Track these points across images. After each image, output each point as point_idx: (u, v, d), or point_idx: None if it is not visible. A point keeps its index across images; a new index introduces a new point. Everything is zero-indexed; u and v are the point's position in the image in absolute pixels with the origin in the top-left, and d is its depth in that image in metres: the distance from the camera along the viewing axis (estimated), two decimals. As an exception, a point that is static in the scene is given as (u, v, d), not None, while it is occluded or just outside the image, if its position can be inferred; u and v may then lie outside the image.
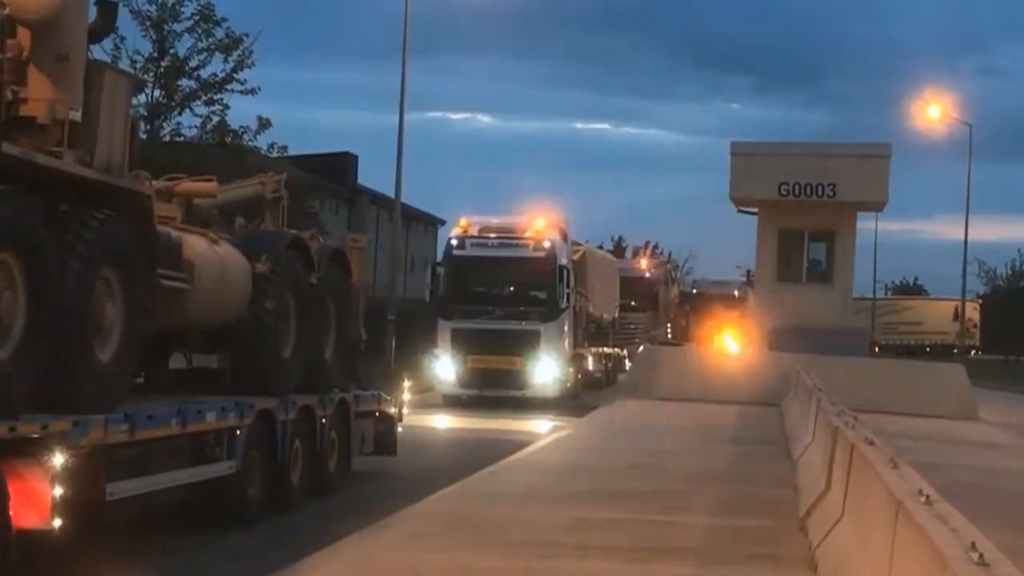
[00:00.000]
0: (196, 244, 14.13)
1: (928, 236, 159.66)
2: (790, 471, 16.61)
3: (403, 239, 57.06)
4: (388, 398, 19.32)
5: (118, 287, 11.76)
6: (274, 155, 39.54)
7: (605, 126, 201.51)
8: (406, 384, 21.56)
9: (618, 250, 78.31)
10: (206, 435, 13.32)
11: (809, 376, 22.62)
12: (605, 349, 43.21)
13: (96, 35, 12.49)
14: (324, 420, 16.48)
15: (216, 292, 14.32)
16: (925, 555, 5.96)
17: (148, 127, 38.21)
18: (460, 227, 35.05)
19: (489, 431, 26.76)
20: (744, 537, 12.66)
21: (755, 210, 39.47)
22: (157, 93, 38.18)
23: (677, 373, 33.54)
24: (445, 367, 33.64)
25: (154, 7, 37.61)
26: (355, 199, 67.10)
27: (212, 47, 38.14)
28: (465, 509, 14.14)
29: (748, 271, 57.78)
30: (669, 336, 54.79)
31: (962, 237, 63.71)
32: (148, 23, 37.59)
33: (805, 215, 38.33)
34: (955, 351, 75.82)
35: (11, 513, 9.87)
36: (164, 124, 38.69)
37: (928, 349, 79.63)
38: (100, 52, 35.30)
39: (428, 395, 33.41)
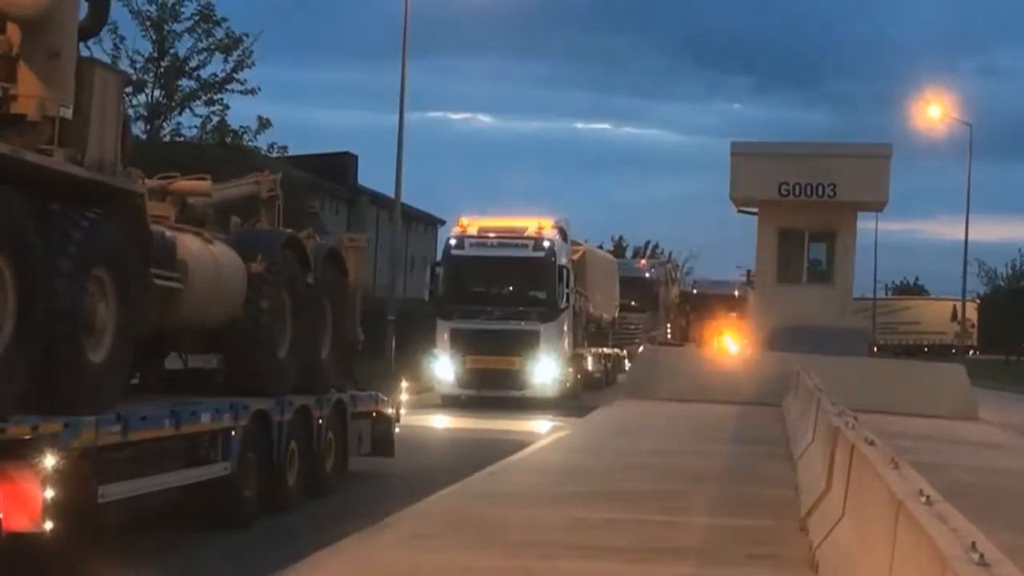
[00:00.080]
0: (190, 243, 14.02)
1: (928, 236, 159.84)
2: (790, 471, 16.59)
3: (403, 239, 57.04)
4: (385, 398, 19.21)
5: (111, 287, 11.63)
6: (274, 155, 39.57)
7: (605, 126, 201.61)
8: (404, 384, 21.52)
9: (618, 250, 78.39)
10: (200, 436, 13.20)
11: (809, 376, 22.61)
12: (605, 349, 43.18)
13: (87, 32, 12.37)
14: (321, 421, 16.37)
15: (211, 292, 14.22)
16: (925, 555, 5.95)
17: (148, 127, 38.28)
18: (459, 227, 34.99)
19: (488, 431, 26.71)
20: (744, 537, 12.64)
21: (755, 210, 39.48)
22: (157, 93, 38.28)
23: (677, 373, 33.53)
24: (444, 367, 33.58)
25: (154, 7, 37.73)
26: (355, 199, 67.12)
27: (212, 47, 38.22)
28: (465, 509, 14.12)
29: (748, 271, 57.75)
30: (669, 336, 54.81)
31: (962, 237, 63.78)
32: (148, 23, 37.66)
33: (805, 215, 38.34)
34: (953, 351, 75.88)
35: (1, 516, 9.79)
36: (164, 124, 38.78)
37: (926, 349, 79.69)
38: (100, 52, 35.59)
39: (427, 395, 33.41)
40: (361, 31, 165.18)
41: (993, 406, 35.09)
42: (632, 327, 48.64)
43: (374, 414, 18.78)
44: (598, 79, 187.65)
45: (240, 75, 38.52)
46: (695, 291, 67.85)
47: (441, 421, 29.72)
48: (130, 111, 37.85)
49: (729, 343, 51.20)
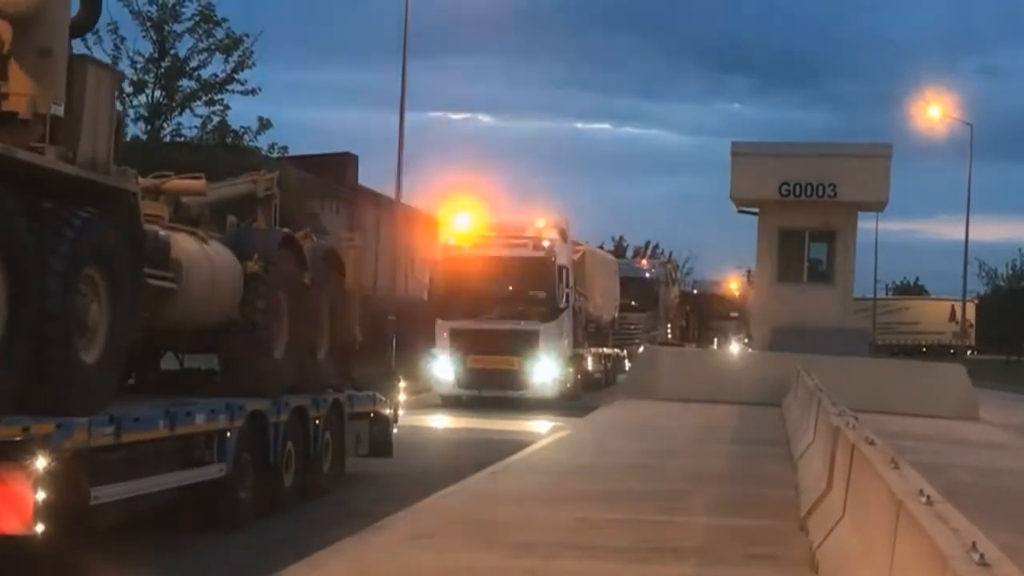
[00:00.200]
0: (185, 243, 13.90)
1: (928, 236, 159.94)
2: (791, 471, 16.59)
3: (403, 239, 56.90)
4: (383, 399, 19.11)
5: (103, 287, 11.51)
6: (274, 155, 39.53)
7: (605, 126, 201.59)
8: (401, 385, 21.44)
9: (618, 250, 78.40)
10: (195, 437, 13.09)
11: (810, 376, 22.62)
12: (605, 349, 43.16)
13: (79, 29, 12.25)
14: (317, 421, 16.28)
15: (206, 292, 14.11)
16: (926, 555, 5.95)
17: (149, 127, 38.27)
18: (459, 226, 34.94)
19: (488, 432, 26.66)
20: (745, 537, 12.64)
21: (755, 210, 39.48)
22: (157, 93, 38.22)
23: (677, 373, 33.52)
24: (443, 367, 33.53)
25: (154, 8, 37.66)
26: (355, 200, 67.04)
27: (212, 47, 38.17)
28: (465, 509, 14.11)
29: (748, 271, 57.75)
30: (669, 336, 54.83)
31: (963, 237, 63.67)
32: (149, 24, 37.61)
33: (805, 215, 38.35)
34: (952, 351, 75.93)
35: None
36: (164, 125, 38.72)
37: (924, 349, 79.75)
38: (101, 52, 35.57)
39: (427, 395, 33.39)
40: (361, 31, 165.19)
41: (993, 406, 35.09)
42: (632, 327, 48.65)
43: (372, 415, 18.70)
44: (598, 79, 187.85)
45: (240, 75, 38.49)
46: (695, 291, 67.94)
47: (440, 421, 29.68)
48: (130, 111, 37.90)
49: (729, 343, 51.22)
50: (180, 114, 38.80)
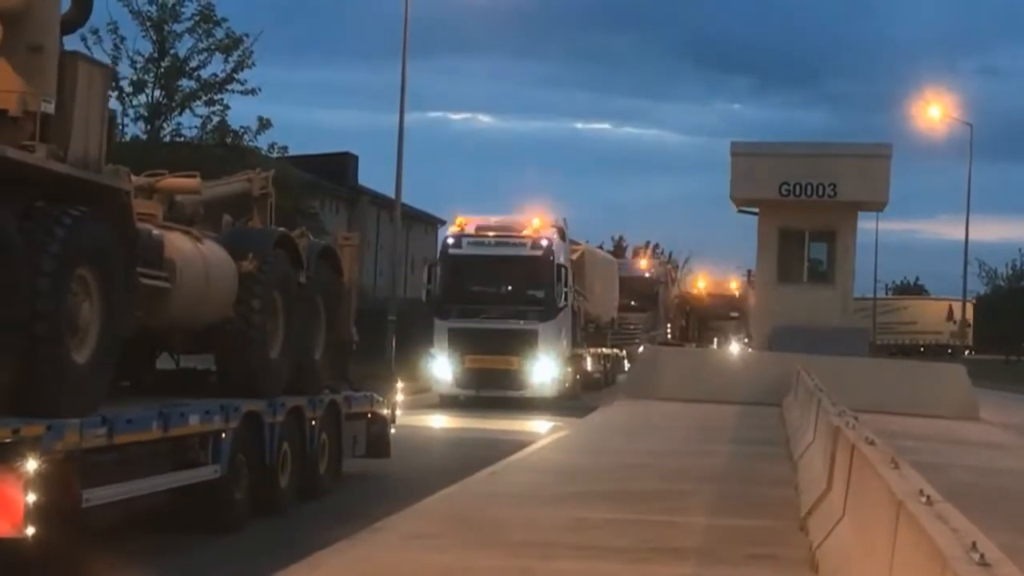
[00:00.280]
0: (178, 242, 13.78)
1: (929, 236, 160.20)
2: (791, 471, 16.58)
3: (403, 239, 57.01)
4: (381, 399, 19.01)
5: (95, 286, 11.38)
6: (274, 155, 39.53)
7: (605, 126, 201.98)
8: (399, 385, 21.37)
9: (618, 250, 78.40)
10: (190, 439, 12.97)
11: (810, 376, 22.61)
12: (604, 349, 43.12)
13: (70, 25, 12.10)
14: (314, 422, 16.18)
15: (200, 291, 13.99)
16: (926, 555, 5.95)
17: (148, 127, 38.29)
18: (456, 226, 34.85)
19: (487, 432, 26.63)
20: (745, 537, 12.63)
21: (755, 210, 39.48)
22: (157, 93, 38.24)
23: (677, 373, 33.49)
24: (442, 367, 33.45)
25: (154, 8, 37.70)
26: (355, 199, 67.12)
27: (212, 47, 38.19)
28: (465, 509, 14.11)
29: (748, 271, 57.76)
30: (669, 336, 54.83)
31: (963, 237, 63.65)
32: (148, 23, 37.65)
33: (805, 215, 38.35)
34: (949, 351, 75.98)
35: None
36: (164, 124, 38.73)
37: (922, 349, 79.80)
38: (101, 53, 35.59)
39: (426, 396, 33.34)
40: (361, 31, 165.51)
41: (993, 406, 35.07)
42: (632, 327, 48.64)
43: (369, 415, 18.59)
44: (598, 79, 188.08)
45: (240, 75, 38.51)
46: (695, 291, 67.90)
47: (439, 421, 29.62)
48: (130, 111, 37.95)
49: (729, 343, 51.25)
50: (180, 114, 38.87)
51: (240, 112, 41.38)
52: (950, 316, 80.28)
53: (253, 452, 14.39)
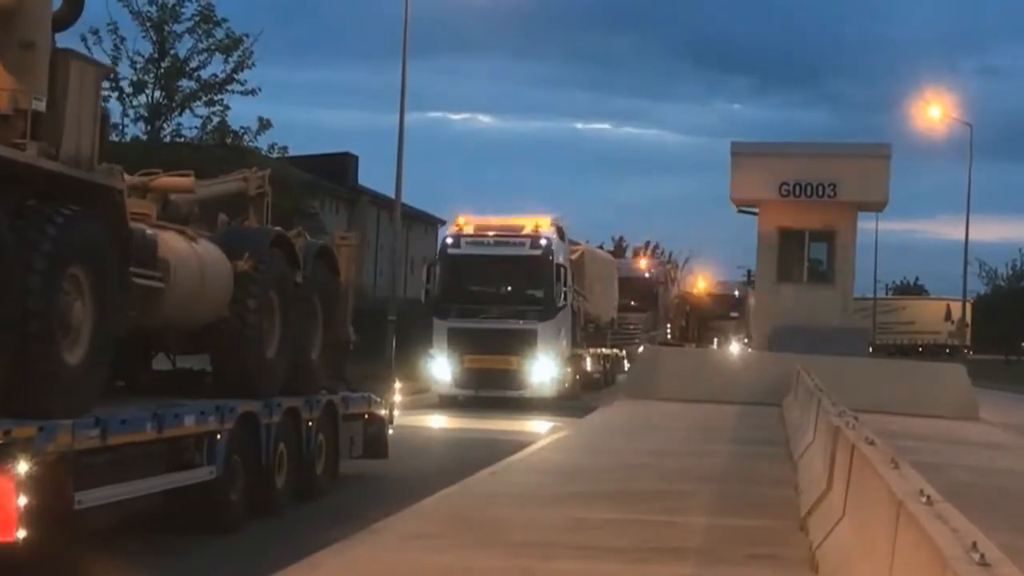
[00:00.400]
0: (173, 241, 13.66)
1: (928, 236, 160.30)
2: (791, 471, 16.58)
3: (403, 239, 57.03)
4: (378, 400, 18.91)
5: (88, 286, 11.26)
6: (274, 156, 39.54)
7: (605, 126, 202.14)
8: (397, 385, 21.30)
9: (618, 250, 78.38)
10: (184, 440, 12.84)
11: (810, 376, 22.61)
12: (603, 350, 43.07)
13: (62, 23, 11.95)
14: (311, 423, 16.08)
15: (194, 291, 13.88)
16: (926, 555, 5.95)
17: (148, 128, 38.29)
18: (455, 225, 34.79)
19: (486, 432, 26.57)
20: (745, 537, 12.64)
21: (755, 210, 39.49)
22: (157, 94, 38.25)
23: (677, 373, 33.48)
24: (441, 367, 33.36)
25: (154, 8, 37.69)
26: (355, 199, 67.13)
27: (212, 48, 38.20)
28: (465, 509, 14.11)
29: (748, 271, 57.81)
30: (668, 336, 54.83)
31: (962, 237, 63.67)
32: (148, 24, 37.66)
33: (805, 215, 38.37)
34: (947, 351, 76.04)
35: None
36: (164, 125, 38.74)
37: (920, 349, 79.86)
38: (100, 53, 35.59)
39: (425, 396, 33.31)
40: (361, 31, 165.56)
41: (993, 406, 35.07)
42: (632, 327, 48.61)
43: (366, 416, 18.50)
44: (598, 79, 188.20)
45: (240, 76, 38.51)
46: (695, 291, 67.92)
47: (437, 422, 29.55)
48: (130, 111, 37.95)
49: (729, 343, 51.24)
50: (180, 114, 38.88)
51: (240, 112, 41.44)
52: (948, 316, 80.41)
53: (249, 453, 14.28)
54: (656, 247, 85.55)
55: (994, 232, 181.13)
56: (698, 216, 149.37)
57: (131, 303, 12.29)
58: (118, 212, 12.05)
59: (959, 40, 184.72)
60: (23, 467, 9.80)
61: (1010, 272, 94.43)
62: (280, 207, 28.66)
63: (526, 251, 33.65)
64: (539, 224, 34.16)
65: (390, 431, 19.19)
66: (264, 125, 38.86)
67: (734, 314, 66.60)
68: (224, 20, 38.10)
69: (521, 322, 33.21)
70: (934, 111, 58.20)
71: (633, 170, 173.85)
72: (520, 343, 33.06)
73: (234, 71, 38.39)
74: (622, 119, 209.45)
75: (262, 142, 39.25)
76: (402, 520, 13.25)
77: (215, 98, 38.69)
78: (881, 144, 40.15)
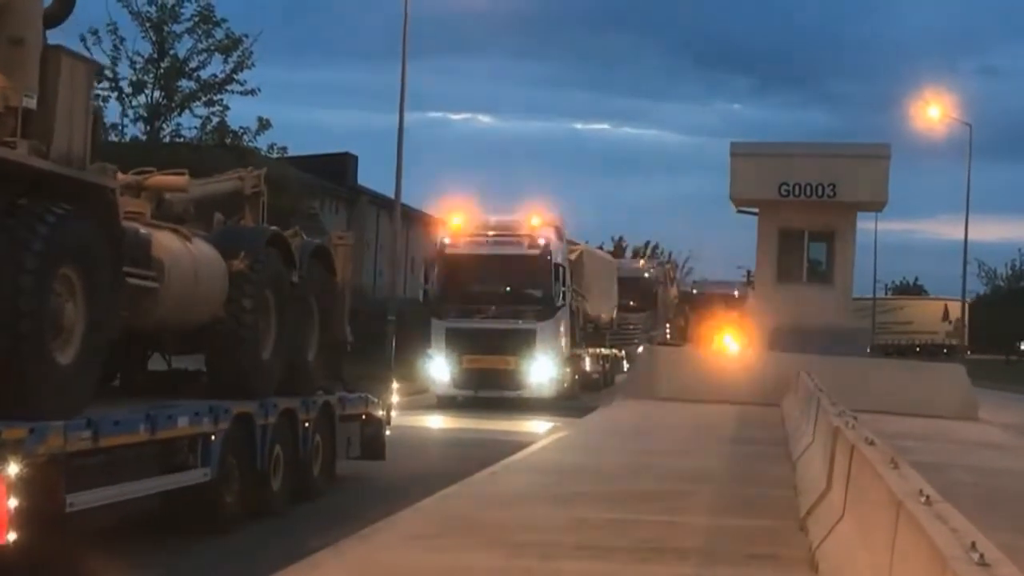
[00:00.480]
0: (167, 241, 13.56)
1: (928, 236, 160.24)
2: (790, 471, 16.59)
3: (403, 239, 57.00)
4: (376, 400, 18.81)
5: (79, 286, 11.16)
6: (274, 156, 39.55)
7: (605, 126, 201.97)
8: (394, 386, 21.20)
9: (618, 250, 78.40)
10: (178, 441, 12.73)
11: (809, 376, 22.62)
12: (603, 350, 43.04)
13: (53, 19, 11.86)
14: (307, 424, 15.97)
15: (189, 291, 13.78)
16: (925, 555, 5.97)
17: (148, 128, 38.29)
18: (453, 225, 34.78)
19: (485, 432, 26.51)
20: (745, 537, 12.65)
21: (755, 210, 39.49)
22: (157, 94, 38.25)
23: (677, 373, 33.46)
24: (439, 368, 33.27)
25: (154, 8, 37.71)
26: (355, 199, 67.08)
27: (212, 48, 38.21)
28: (465, 509, 14.12)
29: (748, 271, 57.79)
30: (668, 337, 54.80)
31: (962, 237, 63.65)
32: (148, 24, 37.67)
33: (805, 215, 38.36)
34: (945, 351, 76.08)
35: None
36: (164, 125, 38.75)
37: (918, 349, 79.90)
38: (100, 53, 35.59)
39: (423, 396, 33.26)
40: (361, 31, 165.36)
41: (992, 406, 35.08)
42: (631, 327, 48.59)
43: (364, 416, 18.40)
44: (598, 79, 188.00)
45: (240, 76, 38.52)
46: (695, 291, 67.93)
47: (436, 422, 29.48)
48: (130, 112, 37.95)
49: (729, 343, 51.19)
50: (179, 115, 38.90)
51: (240, 112, 41.45)
52: (945, 316, 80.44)
53: (244, 454, 14.17)
54: (656, 247, 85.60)
55: (994, 232, 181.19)
56: (698, 216, 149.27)
57: (124, 303, 12.18)
58: (111, 211, 11.95)
59: (959, 40, 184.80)
60: (14, 469, 9.73)
61: (1009, 272, 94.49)
62: (280, 208, 28.67)
63: (524, 250, 33.58)
64: (537, 224, 34.08)
65: (387, 432, 19.09)
66: (264, 125, 38.90)
67: (733, 314, 66.55)
68: (224, 20, 38.17)
69: (520, 322, 33.11)
70: (934, 111, 58.18)
71: (633, 170, 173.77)
72: (519, 343, 32.97)
73: (233, 71, 38.42)
74: (622, 119, 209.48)
75: (262, 142, 39.31)
76: (402, 520, 13.25)
77: (214, 98, 38.73)
78: (881, 144, 40.13)
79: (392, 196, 44.55)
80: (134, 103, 38.08)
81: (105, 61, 37.10)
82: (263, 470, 14.64)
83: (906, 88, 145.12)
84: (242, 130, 39.03)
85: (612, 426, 26.48)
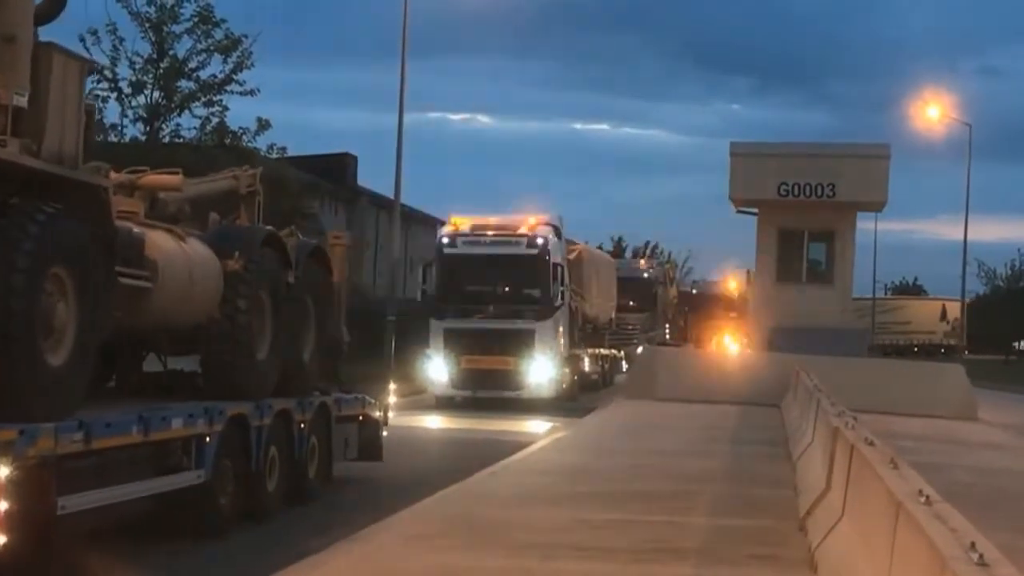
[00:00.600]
0: (160, 240, 13.42)
1: (928, 236, 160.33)
2: (790, 471, 16.59)
3: (402, 240, 57.03)
4: (372, 401, 18.70)
5: (71, 285, 11.05)
6: (273, 156, 39.55)
7: (605, 126, 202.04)
8: (392, 387, 21.11)
9: (617, 250, 78.41)
10: (172, 443, 12.63)
11: (809, 376, 22.62)
12: (602, 350, 42.98)
13: (45, 16, 11.72)
14: (303, 425, 15.85)
15: (183, 291, 13.65)
16: (925, 555, 5.97)
17: (147, 128, 38.29)
18: (451, 225, 34.66)
19: (483, 433, 26.48)
20: (744, 537, 12.66)
21: (755, 210, 39.50)
22: (156, 94, 38.24)
23: (676, 374, 33.44)
24: (437, 368, 33.15)
25: (153, 9, 37.71)
26: (354, 200, 67.08)
27: (211, 48, 38.19)
28: (465, 510, 14.13)
29: (748, 271, 57.77)
30: (667, 337, 54.78)
31: (962, 237, 63.66)
32: (147, 25, 37.66)
33: (805, 215, 38.38)
34: (942, 351, 76.09)
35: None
36: (163, 126, 38.75)
37: (916, 349, 79.93)
38: (99, 54, 35.62)
39: (422, 397, 33.21)
40: (361, 31, 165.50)
41: (992, 406, 35.08)
42: (630, 328, 48.55)
43: (361, 417, 18.28)
44: (598, 79, 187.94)
45: (239, 76, 38.50)
46: (694, 291, 67.94)
47: (434, 423, 29.40)
48: (129, 112, 37.96)
49: (728, 343, 51.21)
50: (179, 115, 38.89)
51: (239, 113, 41.45)
52: (943, 316, 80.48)
53: (239, 456, 14.07)
54: (655, 247, 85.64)
55: (993, 232, 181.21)
56: (697, 216, 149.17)
57: (116, 303, 12.07)
58: (103, 210, 11.84)
59: (959, 40, 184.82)
60: (3, 471, 9.66)
61: (1009, 272, 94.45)
62: (279, 208, 28.67)
63: (523, 250, 33.48)
64: (535, 223, 34.01)
65: (385, 433, 18.97)
66: (263, 125, 38.89)
67: (732, 314, 66.58)
68: (223, 21, 38.17)
69: (518, 322, 32.99)
70: (933, 111, 58.21)
71: (633, 170, 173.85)
72: (517, 343, 32.87)
73: (233, 72, 38.41)
74: (621, 119, 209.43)
75: (261, 142, 39.30)
76: (402, 520, 13.26)
77: (214, 99, 38.71)
78: (880, 144, 40.15)
79: (392, 196, 44.53)
80: (133, 103, 38.12)
81: (104, 61, 37.17)
82: (258, 472, 14.53)
83: (906, 88, 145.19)
84: (242, 130, 39.05)
85: (612, 426, 26.48)
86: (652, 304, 52.20)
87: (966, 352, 69.91)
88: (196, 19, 37.96)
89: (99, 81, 37.02)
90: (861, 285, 68.18)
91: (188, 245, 14.11)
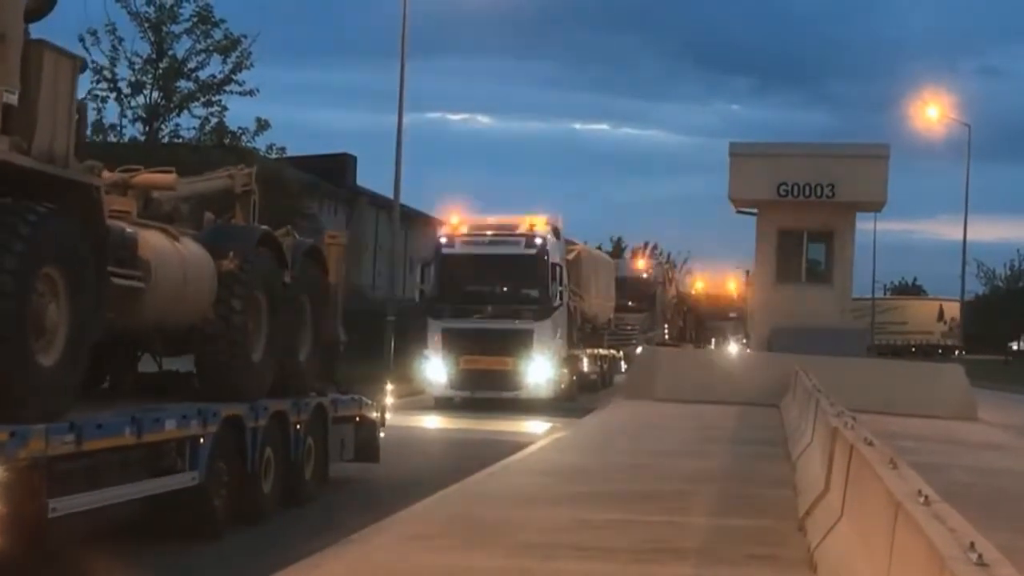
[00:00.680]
0: (154, 240, 13.31)
1: (927, 236, 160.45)
2: (789, 471, 16.59)
3: (402, 240, 56.98)
4: (370, 402, 18.62)
5: (63, 286, 10.94)
6: (273, 156, 39.54)
7: (605, 126, 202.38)
8: (389, 387, 21.04)
9: (617, 250, 78.41)
10: (166, 445, 12.51)
11: (808, 377, 22.62)
12: (601, 350, 42.96)
13: (35, 13, 11.57)
14: (299, 426, 15.75)
15: (176, 291, 13.54)
16: (924, 556, 5.97)
17: (147, 129, 38.30)
18: (450, 225, 34.61)
19: (482, 433, 26.43)
20: (744, 537, 12.65)
21: (754, 210, 39.50)
22: (155, 95, 38.25)
23: (675, 374, 33.45)
24: (436, 369, 33.08)
25: (152, 9, 37.72)
26: (354, 200, 67.09)
27: (211, 48, 38.20)
28: (465, 510, 14.12)
29: (748, 271, 57.75)
30: (666, 337, 54.78)
31: (961, 237, 63.69)
32: (146, 25, 37.67)
33: (804, 215, 38.36)
34: (940, 351, 76.10)
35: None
36: (162, 126, 38.76)
37: (913, 349, 79.93)
38: (99, 54, 35.63)
39: (420, 397, 33.17)
40: (361, 31, 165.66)
41: (991, 406, 35.08)
42: (629, 328, 48.56)
43: (357, 418, 18.20)
44: (598, 79, 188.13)
45: (239, 76, 38.53)
46: (694, 291, 67.92)
47: (432, 424, 29.34)
48: (128, 112, 37.96)
49: (727, 343, 51.22)
50: (178, 115, 38.91)
51: (238, 113, 41.49)
52: (941, 316, 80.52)
53: (234, 458, 13.96)
54: (655, 247, 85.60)
55: (993, 232, 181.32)
56: (697, 216, 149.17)
57: (109, 304, 11.95)
58: (95, 210, 11.73)
59: (959, 40, 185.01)
60: (-6, 473, 9.53)
61: (1008, 272, 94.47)
62: (279, 208, 28.64)
63: (521, 250, 33.44)
64: (534, 223, 33.94)
65: (382, 434, 18.89)
66: (262, 126, 38.90)
67: (732, 314, 66.61)
68: (222, 21, 38.18)
69: (517, 322, 32.92)
70: (933, 111, 58.25)
71: (632, 170, 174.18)
72: (516, 343, 32.78)
73: (232, 72, 38.42)
74: (621, 119, 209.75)
75: (260, 143, 39.30)
76: (401, 521, 13.25)
77: (213, 99, 38.73)
78: (880, 144, 40.14)
79: (391, 196, 44.55)
80: (133, 104, 38.14)
81: (104, 62, 37.20)
82: (253, 473, 14.41)
83: (906, 88, 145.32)
84: (241, 131, 39.06)
85: (611, 427, 26.47)
86: (651, 304, 52.22)
87: (963, 352, 70.01)
88: (195, 19, 37.99)
89: (98, 81, 37.12)
90: (861, 285, 68.25)
91: (182, 245, 14.00)
